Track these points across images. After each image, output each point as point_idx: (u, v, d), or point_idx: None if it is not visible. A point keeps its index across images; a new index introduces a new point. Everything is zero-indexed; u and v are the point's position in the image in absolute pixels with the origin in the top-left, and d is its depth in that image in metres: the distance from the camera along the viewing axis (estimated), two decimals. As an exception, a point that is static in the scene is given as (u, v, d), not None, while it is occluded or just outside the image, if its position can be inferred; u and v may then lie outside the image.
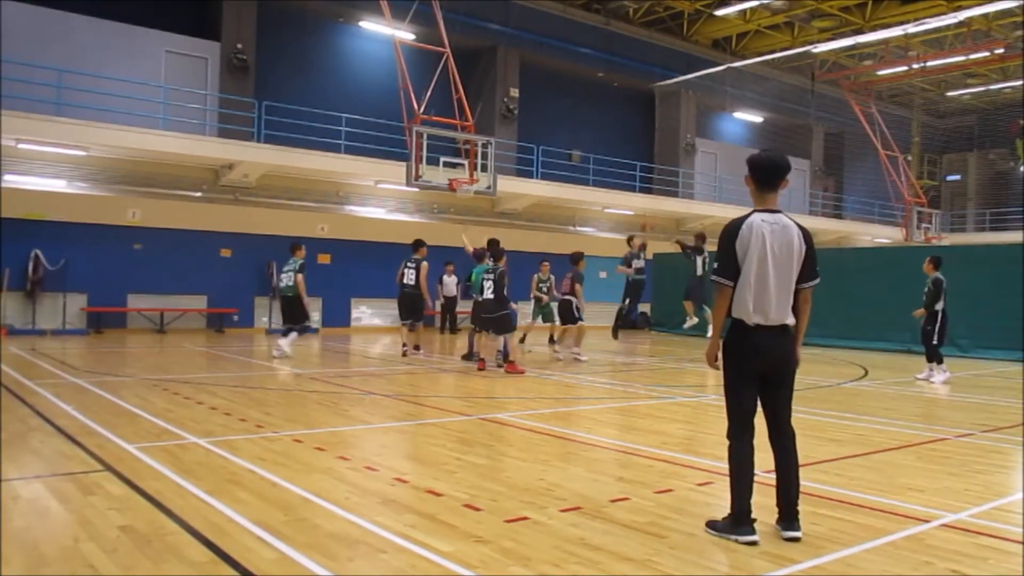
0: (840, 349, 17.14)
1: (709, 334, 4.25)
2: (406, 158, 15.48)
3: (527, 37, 24.56)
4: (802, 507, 4.55)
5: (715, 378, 11.55)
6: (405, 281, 13.70)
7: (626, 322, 16.86)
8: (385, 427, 7.20)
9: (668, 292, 22.49)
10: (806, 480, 5.19)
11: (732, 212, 27.50)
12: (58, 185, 16.94)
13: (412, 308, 13.80)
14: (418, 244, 14.07)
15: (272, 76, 20.88)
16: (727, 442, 4.09)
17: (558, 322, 14.05)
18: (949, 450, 6.52)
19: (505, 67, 24.40)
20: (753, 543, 3.86)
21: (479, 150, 16.44)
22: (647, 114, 29.42)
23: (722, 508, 4.64)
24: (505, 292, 11.58)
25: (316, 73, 22.08)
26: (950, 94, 34.40)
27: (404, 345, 13.89)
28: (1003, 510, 4.67)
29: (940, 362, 11.29)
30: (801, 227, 4.04)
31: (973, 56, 26.29)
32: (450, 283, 19.66)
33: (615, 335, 16.26)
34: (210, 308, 18.88)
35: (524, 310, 14.39)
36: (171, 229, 18.14)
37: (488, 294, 11.53)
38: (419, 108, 15.44)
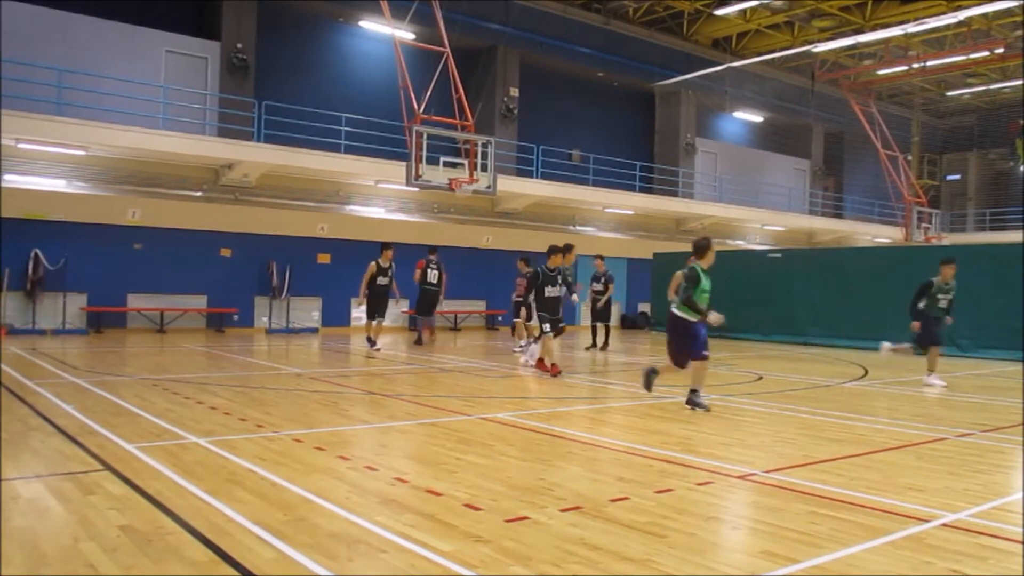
0: (840, 349, 17.14)
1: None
2: (406, 158, 15.48)
3: (527, 37, 24.55)
4: (802, 507, 4.58)
5: (712, 378, 11.54)
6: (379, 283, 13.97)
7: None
8: (385, 427, 7.19)
9: (666, 292, 22.46)
10: (806, 480, 5.22)
11: (732, 212, 27.71)
12: (58, 185, 16.94)
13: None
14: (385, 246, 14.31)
15: (272, 76, 20.88)
16: None
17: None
18: (949, 450, 6.51)
19: (505, 67, 24.39)
20: None
21: (479, 150, 16.44)
22: (647, 114, 29.42)
23: (722, 508, 4.65)
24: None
25: (316, 73, 22.08)
26: (950, 94, 34.40)
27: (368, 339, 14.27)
28: (1003, 510, 4.67)
29: None
30: None
31: (973, 56, 26.28)
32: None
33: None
34: (210, 308, 18.87)
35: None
36: (171, 229, 18.14)
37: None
38: (419, 108, 15.43)
